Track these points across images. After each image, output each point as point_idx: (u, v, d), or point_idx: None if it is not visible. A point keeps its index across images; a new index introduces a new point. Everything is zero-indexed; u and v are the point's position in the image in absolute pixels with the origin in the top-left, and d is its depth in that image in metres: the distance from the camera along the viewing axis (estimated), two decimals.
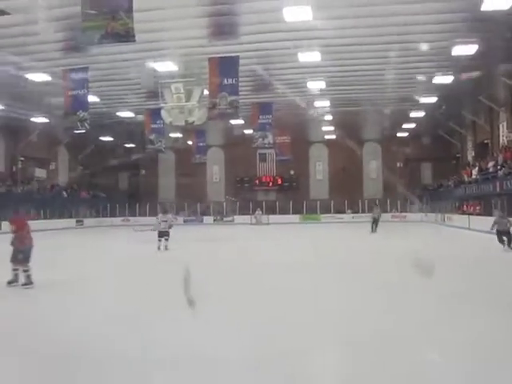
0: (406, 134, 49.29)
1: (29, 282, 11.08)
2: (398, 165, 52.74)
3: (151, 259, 18.57)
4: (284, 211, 49.20)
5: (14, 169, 43.97)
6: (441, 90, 33.16)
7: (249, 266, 15.33)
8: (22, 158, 44.69)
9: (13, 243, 11.14)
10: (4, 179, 41.06)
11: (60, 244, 27.14)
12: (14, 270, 11.20)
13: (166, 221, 21.28)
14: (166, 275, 13.34)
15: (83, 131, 37.69)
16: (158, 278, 13.13)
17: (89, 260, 18.58)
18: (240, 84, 26.77)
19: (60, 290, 11.39)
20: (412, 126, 45.77)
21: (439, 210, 41.07)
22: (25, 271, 11.09)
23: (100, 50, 24.19)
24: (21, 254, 11.02)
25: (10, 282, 11.17)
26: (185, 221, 47.81)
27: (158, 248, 20.78)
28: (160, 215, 21.98)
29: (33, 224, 34.51)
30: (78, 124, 28.20)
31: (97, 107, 35.41)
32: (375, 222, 31.06)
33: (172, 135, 45.21)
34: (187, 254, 19.45)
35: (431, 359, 6.09)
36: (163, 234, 20.92)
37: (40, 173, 47.31)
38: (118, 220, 49.33)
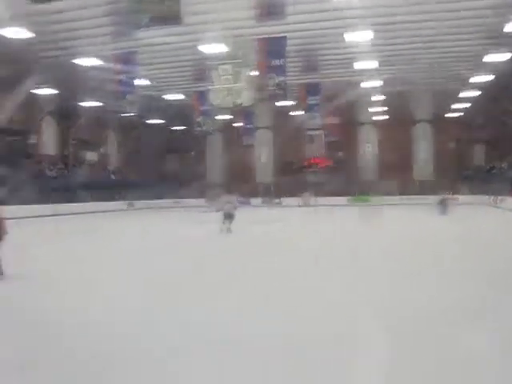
0: (458, 114, 48.11)
1: None
2: (450, 146, 51.55)
3: (211, 241, 18.19)
4: (333, 193, 48.77)
5: (66, 152, 44.86)
6: (496, 67, 32.13)
7: (297, 250, 15.18)
8: (74, 142, 45.54)
9: None
10: (55, 163, 41.95)
11: (113, 226, 27.48)
12: None
13: (231, 202, 20.50)
14: (224, 258, 13.29)
15: (132, 114, 38.31)
16: (214, 261, 13.01)
17: (149, 242, 18.42)
18: (288, 65, 26.57)
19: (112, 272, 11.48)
20: (465, 105, 44.66)
21: (492, 192, 40.00)
22: None
23: (148, 33, 24.35)
24: None
25: None
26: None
27: (221, 230, 19.78)
28: (225, 196, 21.06)
29: (85, 206, 35.07)
30: (127, 107, 28.57)
31: (145, 90, 35.76)
32: (443, 203, 30.24)
33: (220, 117, 45.35)
34: (245, 237, 19.25)
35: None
36: (228, 216, 19.94)
37: (91, 156, 48.20)
38: (167, 202, 49.77)
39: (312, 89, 34.30)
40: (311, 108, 35.25)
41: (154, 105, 42.20)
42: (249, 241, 18.10)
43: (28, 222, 26.90)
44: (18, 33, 23.62)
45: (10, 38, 24.36)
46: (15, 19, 22.57)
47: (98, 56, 28.72)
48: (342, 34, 26.23)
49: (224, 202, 20.60)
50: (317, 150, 53.78)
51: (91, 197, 39.38)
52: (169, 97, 40.90)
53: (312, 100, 34.38)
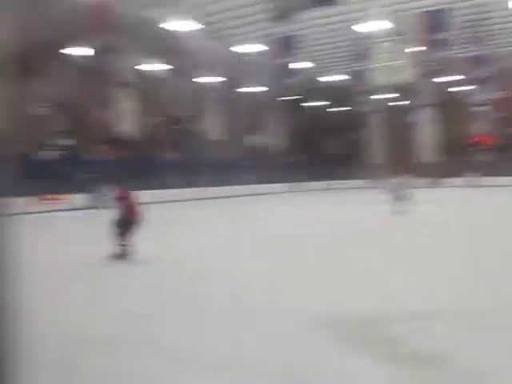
0: None
1: (121, 256, 10.33)
2: None
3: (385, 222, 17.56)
4: (503, 173, 45.87)
5: (228, 136, 46.41)
6: None
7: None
8: (236, 126, 47.03)
9: (117, 213, 10.59)
10: (220, 146, 43.54)
11: (279, 208, 27.63)
12: (116, 240, 10.47)
13: (403, 183, 20.04)
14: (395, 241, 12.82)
15: (294, 97, 38.83)
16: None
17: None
18: (452, 38, 25.38)
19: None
20: None
21: None
22: (122, 245, 10.38)
23: (306, 15, 24.44)
24: (118, 225, 10.41)
25: (117, 256, 10.36)
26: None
27: (393, 211, 19.09)
28: (397, 178, 20.49)
29: (249, 189, 35.65)
30: (288, 91, 28.98)
31: (304, 72, 35.98)
32: None
33: (380, 96, 44.46)
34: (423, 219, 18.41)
35: None
36: (402, 197, 19.35)
37: (252, 139, 49.50)
38: (331, 183, 49.58)
39: (479, 62, 32.45)
40: (478, 82, 33.44)
41: (314, 86, 42.40)
42: (425, 222, 17.23)
43: (192, 205, 28.29)
44: (185, 25, 24.75)
45: (177, 31, 25.65)
46: (185, 13, 23.70)
47: (259, 41, 29.35)
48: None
49: (397, 183, 20.14)
50: (484, 127, 50.93)
51: (256, 179, 40.47)
52: (329, 78, 40.81)
53: (479, 74, 32.58)
